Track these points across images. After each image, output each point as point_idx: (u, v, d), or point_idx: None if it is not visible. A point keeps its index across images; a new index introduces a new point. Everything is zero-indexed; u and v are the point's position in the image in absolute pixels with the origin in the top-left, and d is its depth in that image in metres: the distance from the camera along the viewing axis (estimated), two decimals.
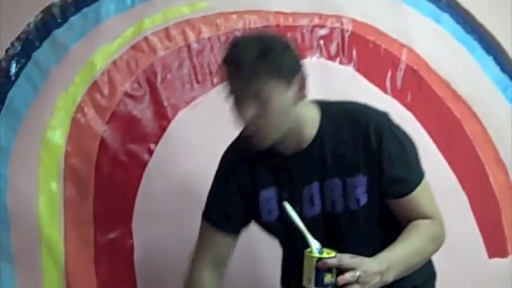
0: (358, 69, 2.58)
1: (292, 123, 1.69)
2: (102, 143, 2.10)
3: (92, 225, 2.08)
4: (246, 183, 1.81)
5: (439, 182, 2.66)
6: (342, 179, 1.75)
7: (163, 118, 2.20)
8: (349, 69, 2.59)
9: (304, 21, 2.49)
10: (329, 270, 1.55)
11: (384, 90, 2.62)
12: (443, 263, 2.64)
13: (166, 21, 2.20)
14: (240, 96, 1.64)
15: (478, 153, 2.78)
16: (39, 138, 2.02)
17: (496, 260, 2.79)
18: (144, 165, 2.17)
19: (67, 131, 2.05)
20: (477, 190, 2.77)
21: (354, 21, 2.56)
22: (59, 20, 2.06)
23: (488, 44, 2.86)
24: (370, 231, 1.82)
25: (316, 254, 1.59)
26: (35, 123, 2.02)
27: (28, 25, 2.03)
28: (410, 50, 2.68)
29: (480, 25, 2.84)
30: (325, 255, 1.59)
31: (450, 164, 2.71)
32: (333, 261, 1.56)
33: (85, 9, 2.09)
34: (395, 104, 2.61)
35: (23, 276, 2.00)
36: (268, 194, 1.81)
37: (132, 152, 2.15)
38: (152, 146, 2.18)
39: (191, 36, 2.25)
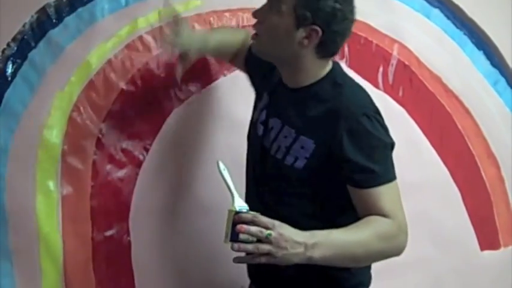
0: (350, 65, 2.59)
1: (288, 56, 1.81)
2: (99, 141, 2.11)
3: (89, 223, 2.10)
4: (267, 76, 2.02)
5: (430, 176, 2.73)
6: (297, 133, 1.81)
7: (158, 116, 2.22)
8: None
9: None
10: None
11: (376, 85, 2.64)
12: (436, 255, 2.70)
13: (161, 19, 2.22)
14: None
15: (469, 147, 2.81)
16: (36, 137, 2.03)
17: (488, 252, 2.82)
18: (140, 162, 2.18)
19: (64, 130, 2.06)
20: (469, 183, 2.81)
21: None
22: (54, 20, 2.07)
23: (478, 38, 2.88)
24: (293, 198, 1.84)
25: (236, 209, 1.59)
26: (31, 123, 2.03)
27: (24, 26, 2.04)
28: (402, 46, 2.70)
29: (470, 20, 2.86)
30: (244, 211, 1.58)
31: (442, 158, 2.74)
32: (247, 216, 1.55)
33: (80, 9, 2.10)
34: (387, 99, 2.64)
35: (22, 275, 2.01)
36: (264, 98, 1.98)
37: (128, 149, 2.17)
38: (148, 143, 2.20)
39: None
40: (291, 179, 1.82)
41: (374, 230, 1.68)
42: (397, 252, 1.73)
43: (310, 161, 1.78)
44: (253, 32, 1.87)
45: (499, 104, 2.91)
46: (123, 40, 2.17)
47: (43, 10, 2.06)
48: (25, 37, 2.04)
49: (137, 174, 2.18)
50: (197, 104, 2.28)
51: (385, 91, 2.65)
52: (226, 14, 2.35)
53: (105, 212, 2.12)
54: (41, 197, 2.02)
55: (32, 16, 2.05)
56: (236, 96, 2.34)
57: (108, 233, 2.13)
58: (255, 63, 2.06)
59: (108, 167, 2.14)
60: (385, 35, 2.67)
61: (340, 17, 1.75)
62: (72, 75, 2.08)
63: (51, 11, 2.07)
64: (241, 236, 1.54)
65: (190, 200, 2.27)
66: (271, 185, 1.89)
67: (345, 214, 1.78)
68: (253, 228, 1.53)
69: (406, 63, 2.70)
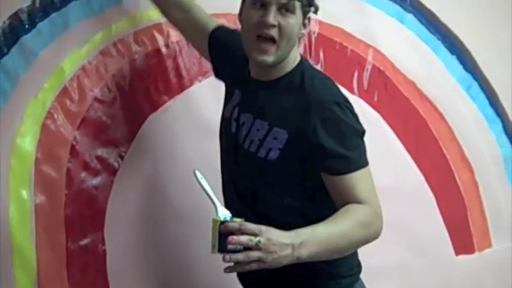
0: (325, 70, 2.59)
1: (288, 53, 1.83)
2: (73, 149, 2.08)
3: (63, 232, 2.06)
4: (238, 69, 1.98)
5: (405, 181, 2.74)
6: (270, 125, 1.82)
7: (133, 123, 2.20)
8: None
9: None
10: (233, 235, 1.53)
11: (351, 90, 2.64)
12: (411, 260, 2.71)
13: (135, 25, 2.20)
14: (268, 3, 1.75)
15: (443, 151, 2.83)
16: (8, 145, 1.99)
17: (462, 257, 2.84)
18: (115, 170, 2.16)
19: (37, 138, 2.03)
20: (443, 188, 2.82)
21: (320, 22, 2.57)
22: (27, 26, 2.03)
23: (451, 43, 2.91)
24: (269, 192, 1.85)
25: (220, 218, 1.57)
26: (4, 130, 1.99)
27: None
28: (376, 51, 2.71)
29: (443, 25, 2.88)
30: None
31: (417, 163, 2.76)
32: (233, 225, 1.54)
33: (53, 15, 2.06)
34: (363, 104, 2.64)
35: None
36: (236, 94, 1.96)
37: (102, 157, 2.14)
38: (123, 150, 2.18)
39: (160, 40, 2.25)
40: (265, 171, 1.83)
41: (354, 219, 1.69)
42: (375, 237, 1.76)
43: (284, 152, 1.79)
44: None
45: (472, 109, 2.94)
46: (97, 46, 2.15)
47: (15, 15, 2.03)
48: None
49: (112, 182, 2.16)
50: (172, 111, 2.27)
51: (360, 96, 2.66)
52: None
53: (79, 220, 2.09)
54: (14, 206, 1.99)
55: (4, 22, 2.02)
56: (211, 102, 2.32)
57: (83, 242, 2.10)
58: (221, 56, 2.08)
59: (83, 174, 2.11)
60: (360, 40, 2.68)
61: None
62: (46, 82, 2.05)
63: (23, 16, 2.03)
64: (230, 246, 1.53)
65: (166, 207, 2.25)
66: (247, 180, 1.89)
67: (320, 204, 1.80)
68: (243, 238, 1.53)
69: (381, 68, 2.71)
